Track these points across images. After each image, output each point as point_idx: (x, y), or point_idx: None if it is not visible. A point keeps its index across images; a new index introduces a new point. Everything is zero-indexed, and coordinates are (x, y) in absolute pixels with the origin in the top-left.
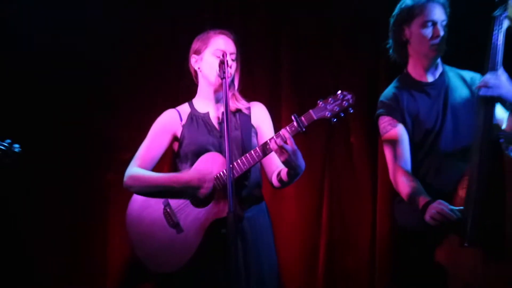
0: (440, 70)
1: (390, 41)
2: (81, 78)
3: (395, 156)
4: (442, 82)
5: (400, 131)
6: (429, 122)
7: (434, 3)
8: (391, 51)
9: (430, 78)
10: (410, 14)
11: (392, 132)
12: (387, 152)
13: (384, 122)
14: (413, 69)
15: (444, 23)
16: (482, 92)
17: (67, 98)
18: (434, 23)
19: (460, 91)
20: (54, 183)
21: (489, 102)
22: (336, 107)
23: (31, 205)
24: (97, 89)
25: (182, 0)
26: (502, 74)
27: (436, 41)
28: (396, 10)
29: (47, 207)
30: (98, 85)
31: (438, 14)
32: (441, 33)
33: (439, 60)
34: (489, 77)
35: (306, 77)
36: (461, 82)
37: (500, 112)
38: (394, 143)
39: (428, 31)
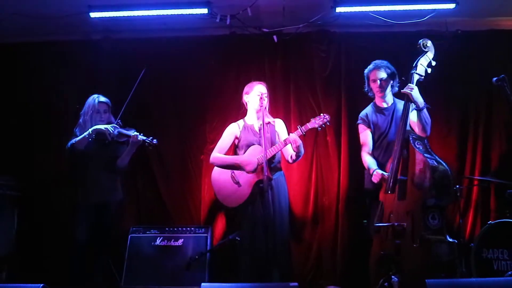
0: (391, 100)
1: (366, 86)
2: (203, 110)
3: (364, 145)
4: (391, 107)
5: (368, 132)
6: (382, 128)
7: (376, 69)
8: (366, 90)
9: (385, 105)
10: (367, 75)
11: (364, 133)
12: (362, 143)
13: (360, 127)
14: (376, 100)
15: (384, 78)
16: (406, 89)
17: (192, 118)
18: (376, 80)
19: (399, 112)
20: (179, 160)
21: (408, 98)
22: (320, 121)
23: (165, 169)
24: (205, 111)
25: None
26: (416, 87)
27: (378, 89)
28: (365, 72)
29: (174, 172)
30: (205, 111)
31: (378, 74)
32: (379, 84)
33: (391, 95)
34: (410, 85)
35: (305, 106)
36: (401, 106)
37: (413, 117)
38: (364, 138)
39: (375, 85)
